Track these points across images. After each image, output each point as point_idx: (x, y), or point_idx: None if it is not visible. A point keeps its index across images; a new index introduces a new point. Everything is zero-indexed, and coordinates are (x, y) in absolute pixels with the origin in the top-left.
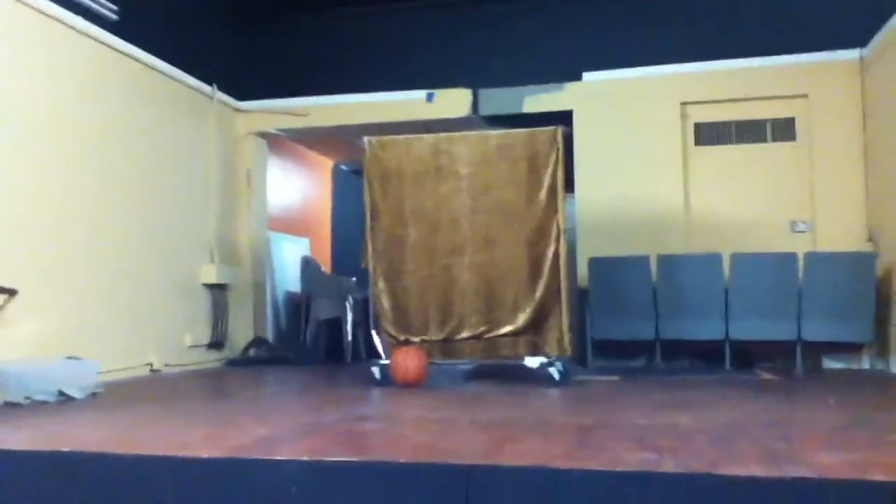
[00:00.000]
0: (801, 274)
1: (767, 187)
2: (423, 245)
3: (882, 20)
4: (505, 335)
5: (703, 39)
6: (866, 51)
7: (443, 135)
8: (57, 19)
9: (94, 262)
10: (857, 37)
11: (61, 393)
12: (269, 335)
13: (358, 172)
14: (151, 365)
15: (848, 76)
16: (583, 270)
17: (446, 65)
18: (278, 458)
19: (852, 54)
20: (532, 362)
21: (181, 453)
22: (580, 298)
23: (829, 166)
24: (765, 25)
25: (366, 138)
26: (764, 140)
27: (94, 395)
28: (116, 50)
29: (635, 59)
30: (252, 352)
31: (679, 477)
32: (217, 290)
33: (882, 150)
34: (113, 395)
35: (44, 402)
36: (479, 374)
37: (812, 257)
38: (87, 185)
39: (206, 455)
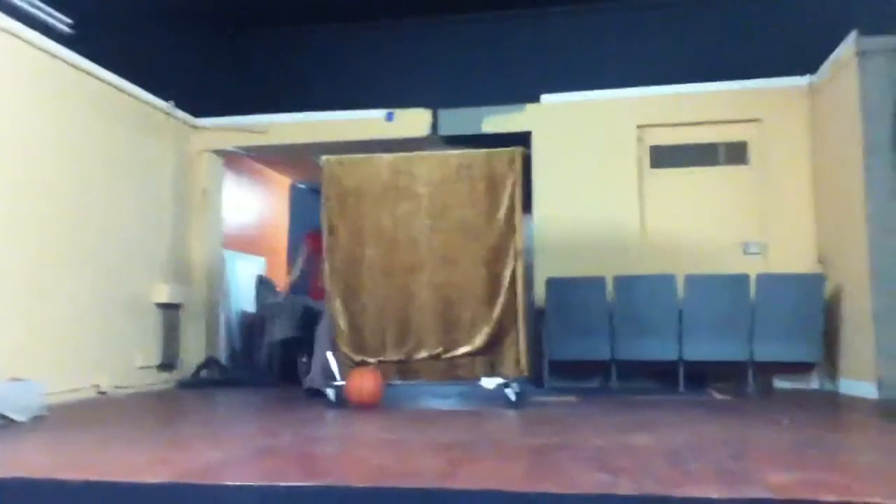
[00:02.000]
0: (753, 295)
1: (720, 210)
2: (381, 264)
3: (830, 48)
4: (462, 356)
5: (659, 63)
6: (815, 77)
7: (401, 154)
8: (10, 32)
9: (41, 279)
10: (807, 64)
11: (3, 416)
12: (222, 356)
13: (316, 191)
14: (99, 386)
15: (798, 101)
16: (540, 290)
17: (406, 85)
18: (230, 482)
19: (802, 80)
20: (488, 383)
21: (129, 478)
22: (537, 318)
23: (781, 189)
24: (719, 51)
25: (323, 157)
26: (717, 163)
27: (38, 418)
28: (71, 64)
29: (593, 82)
30: (204, 373)
31: (636, 499)
32: (169, 309)
33: (829, 174)
34: (58, 419)
35: None
36: (436, 395)
37: (764, 279)
38: (35, 199)
39: (155, 480)
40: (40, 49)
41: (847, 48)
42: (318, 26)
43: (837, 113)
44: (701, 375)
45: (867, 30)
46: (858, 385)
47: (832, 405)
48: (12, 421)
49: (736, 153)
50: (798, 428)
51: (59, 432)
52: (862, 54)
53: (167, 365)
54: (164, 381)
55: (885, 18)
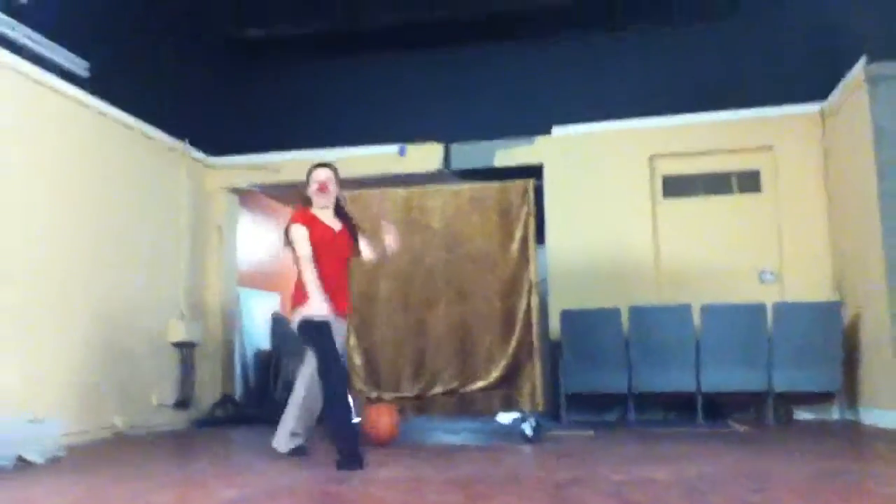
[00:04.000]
0: (769, 324)
1: (734, 238)
2: (396, 299)
3: (840, 74)
4: (478, 390)
5: (670, 92)
6: (826, 103)
7: (415, 188)
8: (28, 76)
9: (59, 318)
10: (818, 90)
11: (20, 458)
12: (238, 393)
13: None
14: (115, 426)
15: (810, 128)
16: (555, 323)
17: (418, 119)
18: None
19: (813, 107)
20: (505, 418)
21: None
22: (553, 351)
23: (795, 217)
24: (729, 79)
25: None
26: (730, 191)
27: (55, 459)
28: (88, 106)
29: (604, 113)
30: (219, 411)
31: None
32: (185, 347)
33: (844, 200)
34: (75, 459)
35: (1, 468)
36: (453, 430)
37: (780, 307)
38: (53, 239)
39: None
40: (59, 93)
41: (857, 74)
42: (329, 62)
43: (849, 138)
44: (719, 406)
45: (876, 55)
46: (880, 414)
47: (853, 435)
48: (29, 462)
49: (749, 181)
50: (818, 459)
51: (75, 474)
52: (871, 80)
53: (183, 403)
54: (179, 419)
55: (894, 43)
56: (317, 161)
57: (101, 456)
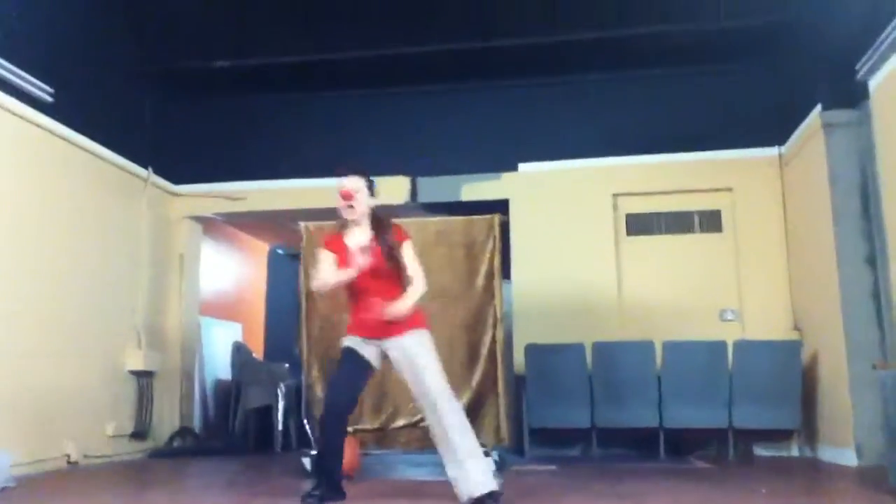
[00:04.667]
0: (730, 361)
1: (696, 277)
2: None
3: (798, 120)
4: None
5: (633, 134)
6: (784, 148)
7: None
8: None
9: (11, 343)
10: (777, 135)
11: None
12: (196, 424)
13: (295, 256)
14: (69, 456)
15: (769, 171)
16: (520, 357)
17: (385, 152)
18: None
19: (772, 151)
20: None
21: None
22: (517, 385)
23: (754, 256)
24: (692, 121)
25: (302, 224)
26: (692, 231)
27: (4, 489)
28: (51, 131)
29: (569, 151)
30: (177, 442)
31: None
32: (143, 376)
33: (802, 241)
34: (27, 490)
35: None
36: (415, 464)
37: (741, 345)
38: (11, 264)
39: None
40: (20, 117)
41: (813, 121)
42: (296, 95)
43: (807, 182)
44: (681, 442)
45: (832, 103)
46: (838, 452)
47: (812, 472)
48: None
49: (710, 221)
50: (777, 496)
51: None
52: (827, 127)
53: (139, 434)
54: (136, 450)
55: (848, 91)
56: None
57: (54, 486)
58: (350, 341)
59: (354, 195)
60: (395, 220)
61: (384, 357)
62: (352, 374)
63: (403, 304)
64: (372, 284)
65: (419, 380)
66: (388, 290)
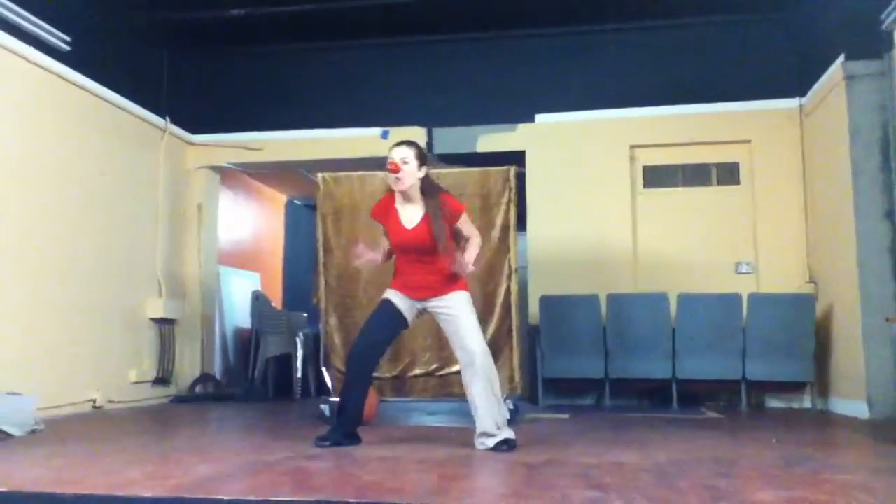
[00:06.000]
0: (744, 314)
1: (712, 229)
2: (376, 281)
3: (819, 71)
4: (456, 373)
5: (651, 85)
6: (805, 100)
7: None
8: (7, 48)
9: (36, 294)
10: (797, 86)
11: None
12: (217, 371)
13: (311, 207)
14: (94, 401)
15: (788, 123)
16: (534, 308)
17: (401, 103)
18: (221, 497)
19: (792, 103)
20: None
21: (122, 492)
22: (531, 336)
23: (771, 210)
24: (711, 73)
25: (319, 174)
26: (709, 183)
27: (33, 432)
28: (68, 81)
29: (586, 103)
30: (199, 388)
31: None
32: (164, 324)
33: (819, 194)
34: (53, 433)
35: None
36: (430, 412)
37: (755, 298)
38: (31, 214)
39: (147, 494)
40: (38, 66)
41: (835, 72)
42: (313, 44)
43: (826, 135)
44: (694, 394)
45: (854, 53)
46: (850, 404)
47: (823, 424)
48: (8, 434)
49: (728, 174)
50: (786, 446)
51: (54, 446)
52: (849, 78)
53: (162, 380)
54: (158, 396)
55: (872, 42)
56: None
57: (79, 430)
58: (391, 294)
59: (401, 167)
60: (445, 189)
61: (420, 314)
62: (383, 322)
63: (469, 257)
64: (415, 255)
65: (460, 336)
66: (432, 260)
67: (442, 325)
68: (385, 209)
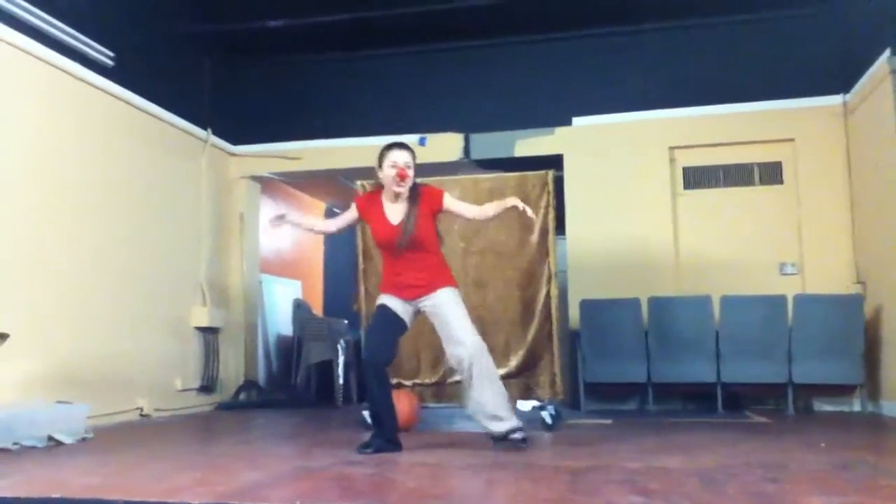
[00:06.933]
0: (790, 316)
1: (755, 230)
2: None
3: (864, 67)
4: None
5: (690, 85)
6: (849, 96)
7: (434, 178)
8: (54, 65)
9: (86, 306)
10: (841, 83)
11: (50, 438)
12: (261, 378)
13: None
14: (141, 409)
15: (832, 121)
16: (574, 312)
17: (438, 109)
18: (268, 503)
19: (836, 100)
20: (524, 406)
21: (171, 499)
22: (572, 341)
23: (816, 209)
24: (750, 71)
25: (357, 182)
26: (751, 183)
27: (83, 439)
28: (113, 95)
29: (624, 105)
30: (243, 395)
31: None
32: (208, 333)
33: (866, 193)
34: (103, 440)
35: (32, 448)
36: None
37: (801, 299)
38: (80, 226)
39: (196, 501)
40: (83, 81)
41: (880, 67)
42: (349, 54)
43: (872, 131)
44: (739, 398)
45: None
46: None
47: (874, 427)
48: (59, 442)
49: (770, 173)
50: (836, 450)
51: (104, 454)
52: (895, 73)
53: (207, 388)
54: (203, 403)
55: None
56: (391, 142)
57: (127, 438)
58: (384, 298)
59: (409, 174)
60: (420, 182)
61: (417, 315)
62: (384, 327)
63: (495, 209)
64: (406, 252)
65: (451, 329)
66: (423, 258)
67: (433, 321)
68: (371, 201)
